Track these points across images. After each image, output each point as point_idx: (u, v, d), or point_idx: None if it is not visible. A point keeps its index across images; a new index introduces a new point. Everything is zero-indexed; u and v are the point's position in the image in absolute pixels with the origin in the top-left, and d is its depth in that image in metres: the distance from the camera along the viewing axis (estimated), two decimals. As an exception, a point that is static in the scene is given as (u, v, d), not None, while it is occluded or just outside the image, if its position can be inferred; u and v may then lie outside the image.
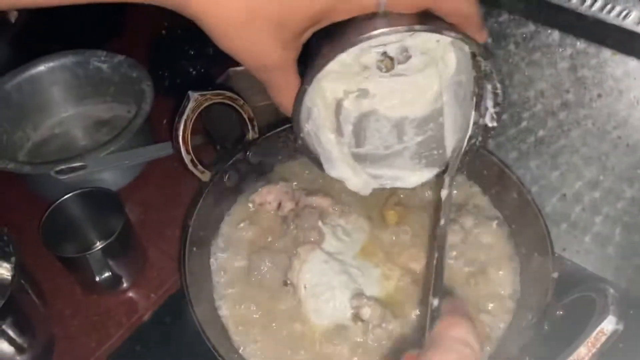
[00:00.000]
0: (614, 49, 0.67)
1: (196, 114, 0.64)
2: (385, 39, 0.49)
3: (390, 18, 0.46)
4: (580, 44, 0.69)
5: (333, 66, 0.50)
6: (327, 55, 0.47)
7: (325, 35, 0.48)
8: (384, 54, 0.53)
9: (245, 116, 0.69)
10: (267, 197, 0.71)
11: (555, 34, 0.70)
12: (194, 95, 0.63)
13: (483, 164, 0.73)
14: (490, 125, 0.57)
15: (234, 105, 0.68)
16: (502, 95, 0.54)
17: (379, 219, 0.71)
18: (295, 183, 0.75)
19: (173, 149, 0.64)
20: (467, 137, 0.58)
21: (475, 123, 0.58)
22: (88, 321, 0.84)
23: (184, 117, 0.62)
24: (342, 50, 0.47)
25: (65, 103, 1.06)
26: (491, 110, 0.56)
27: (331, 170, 0.61)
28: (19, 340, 0.73)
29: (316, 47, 0.49)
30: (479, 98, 0.56)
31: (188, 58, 1.09)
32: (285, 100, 0.51)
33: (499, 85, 0.54)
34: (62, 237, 0.81)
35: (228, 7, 0.43)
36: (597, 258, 0.80)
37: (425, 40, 0.52)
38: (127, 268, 0.84)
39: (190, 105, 0.63)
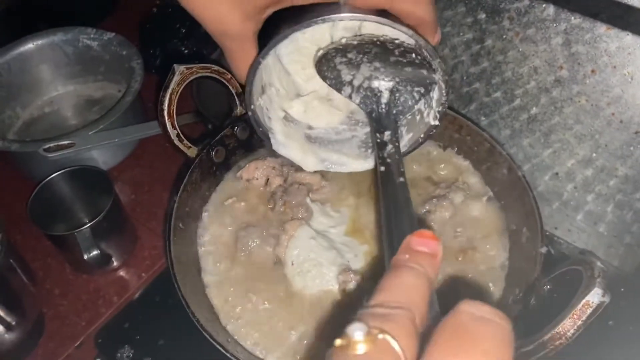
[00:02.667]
0: (608, 23, 0.66)
1: (182, 88, 0.63)
2: (339, 24, 0.53)
3: (349, 9, 0.49)
4: (575, 19, 0.68)
5: (290, 46, 0.53)
6: (283, 32, 0.50)
7: (286, 15, 0.50)
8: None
9: (233, 91, 0.68)
10: (255, 173, 0.70)
11: (550, 9, 0.69)
12: (179, 68, 0.62)
13: (474, 140, 0.72)
14: (432, 123, 0.57)
15: (221, 79, 0.66)
16: (446, 95, 0.55)
17: (368, 195, 0.71)
18: (283, 159, 0.73)
19: (158, 123, 0.63)
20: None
21: (420, 119, 0.59)
22: (78, 300, 0.83)
23: (169, 90, 0.61)
24: (297, 29, 0.50)
25: (55, 82, 1.04)
26: (435, 109, 0.56)
27: (279, 147, 0.62)
28: (7, 319, 0.73)
29: (276, 25, 0.51)
30: (428, 97, 0.58)
31: (180, 37, 1.08)
32: (240, 69, 0.54)
33: (443, 85, 0.54)
34: (50, 216, 0.81)
35: None
36: (589, 236, 0.79)
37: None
38: (117, 247, 0.84)
39: (176, 78, 0.61)
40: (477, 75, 0.80)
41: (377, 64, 0.54)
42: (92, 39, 1.00)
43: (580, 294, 0.48)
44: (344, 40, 0.54)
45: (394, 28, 0.49)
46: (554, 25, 0.70)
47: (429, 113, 0.58)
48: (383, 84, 0.54)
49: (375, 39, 0.53)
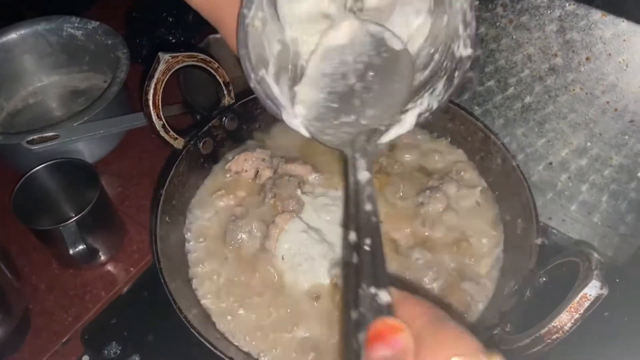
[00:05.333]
0: (603, 9, 0.65)
1: (167, 77, 0.61)
2: None
3: None
4: (569, 5, 0.67)
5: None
6: None
7: None
8: None
9: (221, 80, 0.67)
10: (244, 164, 0.69)
11: (544, -5, 0.68)
12: (164, 57, 0.60)
13: (467, 130, 0.71)
14: (464, 55, 0.47)
15: (207, 68, 0.65)
16: (471, 13, 0.45)
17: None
18: (273, 150, 0.72)
19: (144, 114, 0.61)
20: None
21: (449, 56, 0.48)
22: (65, 296, 0.82)
23: (154, 80, 0.60)
24: None
25: (39, 72, 1.02)
26: (463, 37, 0.46)
27: (292, 120, 0.51)
28: (-10, 315, 0.71)
29: None
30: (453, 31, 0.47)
31: (166, 26, 1.06)
32: (234, 40, 0.46)
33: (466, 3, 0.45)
34: (35, 210, 0.79)
35: None
36: (583, 227, 0.79)
37: None
38: (104, 241, 0.82)
39: (161, 67, 0.60)
40: (470, 64, 0.79)
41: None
42: (76, 28, 0.97)
43: (577, 287, 0.48)
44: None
45: None
46: (548, 12, 0.69)
47: (459, 45, 0.47)
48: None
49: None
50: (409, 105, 0.51)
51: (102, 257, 0.83)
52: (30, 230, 0.77)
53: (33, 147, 0.81)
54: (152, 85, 0.60)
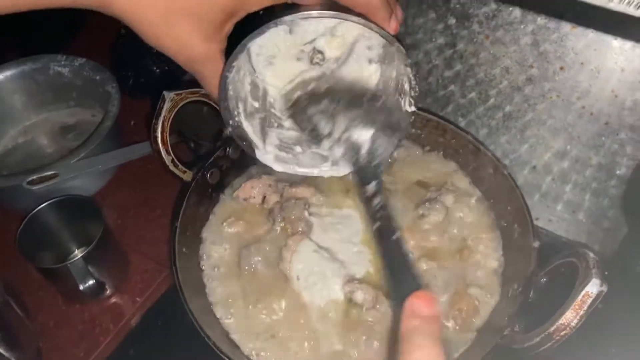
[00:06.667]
0: (573, 22, 0.70)
1: (173, 114, 0.63)
2: (297, 25, 0.53)
3: (303, 8, 0.48)
4: (541, 20, 0.71)
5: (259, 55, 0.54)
6: (243, 42, 0.50)
7: (245, 26, 0.50)
8: (313, 49, 0.56)
9: (222, 112, 0.69)
10: (251, 191, 0.71)
11: (517, 11, 0.72)
12: (169, 95, 0.62)
13: (458, 143, 0.75)
14: (409, 110, 0.57)
15: (209, 102, 0.67)
16: (415, 80, 0.55)
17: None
18: (277, 175, 0.74)
19: (152, 150, 0.64)
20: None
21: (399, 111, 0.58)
22: (74, 331, 0.82)
23: (161, 118, 0.62)
24: (257, 36, 0.50)
25: (27, 111, 1.02)
26: (408, 94, 0.56)
27: (264, 156, 0.62)
28: (7, 355, 0.72)
29: (237, 37, 0.51)
30: (400, 86, 0.57)
31: (151, 56, 1.07)
32: (214, 90, 0.53)
33: (409, 70, 0.54)
34: (40, 248, 0.80)
35: (147, 5, 0.46)
36: (569, 225, 0.83)
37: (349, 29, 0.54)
38: (110, 274, 0.83)
39: (167, 105, 0.62)
40: (451, 79, 0.83)
41: (353, 114, 0.54)
42: (62, 66, 0.98)
43: (579, 286, 0.51)
44: (312, 86, 0.55)
45: (340, 19, 0.49)
46: (522, 26, 0.73)
47: (404, 102, 0.57)
48: (363, 135, 0.54)
49: (343, 84, 0.54)
50: None
51: (108, 290, 0.84)
52: (36, 269, 0.78)
53: (34, 188, 0.81)
54: (160, 123, 0.62)
